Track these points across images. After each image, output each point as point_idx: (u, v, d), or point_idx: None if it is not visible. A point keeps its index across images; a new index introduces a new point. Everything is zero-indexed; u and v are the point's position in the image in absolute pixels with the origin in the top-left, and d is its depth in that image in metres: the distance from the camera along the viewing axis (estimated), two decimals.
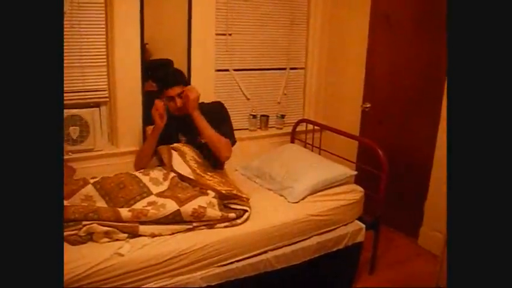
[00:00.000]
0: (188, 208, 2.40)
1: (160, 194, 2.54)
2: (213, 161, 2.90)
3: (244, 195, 2.70)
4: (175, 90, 2.79)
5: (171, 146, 2.85)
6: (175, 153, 2.79)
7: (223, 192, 2.63)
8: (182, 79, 2.91)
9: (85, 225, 2.23)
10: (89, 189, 2.52)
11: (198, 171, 2.72)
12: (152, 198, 2.50)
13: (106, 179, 2.59)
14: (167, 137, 2.87)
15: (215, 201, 2.54)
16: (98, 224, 2.25)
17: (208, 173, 2.74)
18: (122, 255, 2.17)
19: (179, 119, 2.87)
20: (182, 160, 2.75)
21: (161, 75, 3.03)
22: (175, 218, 2.38)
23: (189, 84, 3.12)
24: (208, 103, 3.03)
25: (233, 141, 2.95)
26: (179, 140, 2.90)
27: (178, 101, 2.78)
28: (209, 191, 2.62)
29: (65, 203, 2.40)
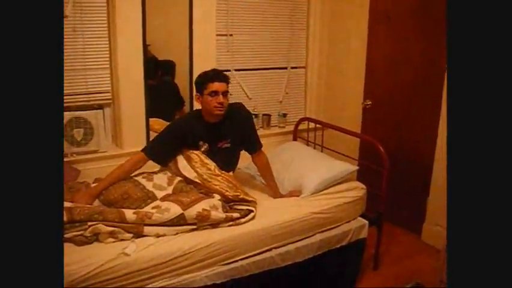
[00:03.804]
0: (192, 212, 2.41)
1: (164, 198, 2.56)
2: (230, 166, 2.89)
3: (251, 198, 2.72)
4: (223, 86, 2.70)
5: None
6: (180, 157, 2.78)
7: (230, 197, 2.66)
8: (228, 79, 2.79)
9: (90, 225, 2.25)
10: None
11: (205, 176, 2.69)
12: (156, 203, 2.51)
13: (109, 190, 2.59)
14: (187, 145, 2.79)
15: (219, 203, 2.55)
16: (104, 224, 2.27)
17: (216, 178, 2.70)
18: (128, 254, 2.19)
19: (203, 127, 2.80)
20: (187, 163, 2.74)
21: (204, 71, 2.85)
22: (179, 222, 2.40)
23: None
24: (231, 104, 2.90)
25: (261, 145, 2.98)
26: (200, 147, 2.80)
27: (222, 99, 2.68)
28: (215, 194, 2.64)
29: (71, 204, 2.42)
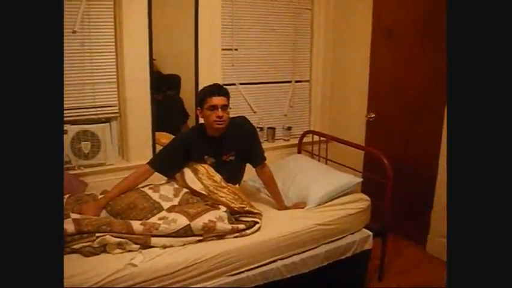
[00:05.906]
0: (198, 223, 2.44)
1: (170, 209, 2.58)
2: (235, 178, 2.92)
3: (256, 210, 2.74)
4: (222, 100, 2.72)
5: None
6: (187, 170, 2.81)
7: (236, 209, 2.68)
8: (228, 94, 2.82)
9: (98, 236, 2.28)
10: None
11: (211, 188, 2.72)
12: (162, 214, 2.54)
13: (116, 200, 2.62)
14: (193, 159, 2.83)
15: (225, 215, 2.58)
16: (111, 235, 2.30)
17: (222, 190, 2.73)
18: (135, 265, 2.21)
19: (206, 141, 2.84)
20: (194, 176, 2.77)
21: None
22: (186, 233, 2.42)
23: None
24: (234, 118, 2.96)
25: (264, 159, 2.99)
26: (205, 160, 2.84)
27: (221, 113, 2.70)
28: (221, 206, 2.66)
29: (79, 216, 2.46)
